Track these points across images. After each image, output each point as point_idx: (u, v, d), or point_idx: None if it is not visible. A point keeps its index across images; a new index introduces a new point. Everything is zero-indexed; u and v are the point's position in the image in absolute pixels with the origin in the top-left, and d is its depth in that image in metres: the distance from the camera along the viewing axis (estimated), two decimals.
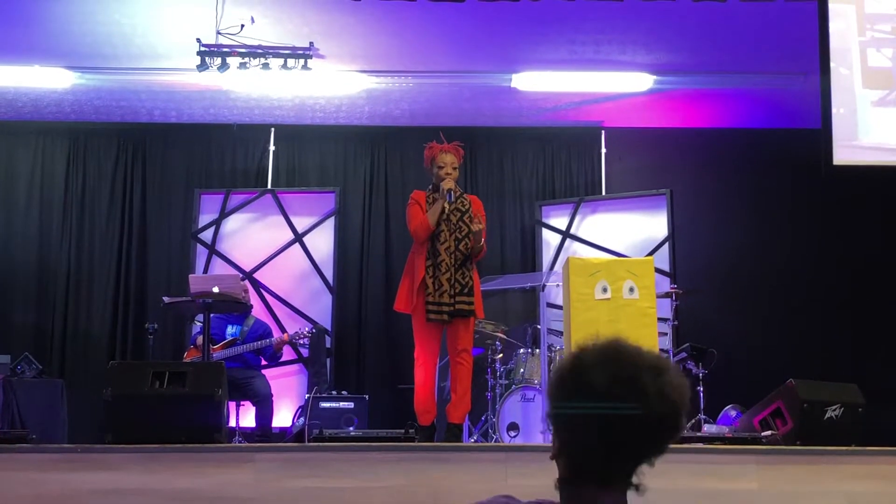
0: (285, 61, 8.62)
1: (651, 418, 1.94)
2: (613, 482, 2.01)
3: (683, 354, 8.25)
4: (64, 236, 10.48)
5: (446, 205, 6.55)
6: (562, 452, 2.05)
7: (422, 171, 10.63)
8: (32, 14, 8.12)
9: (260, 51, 8.55)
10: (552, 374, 2.11)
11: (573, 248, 10.22)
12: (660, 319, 7.21)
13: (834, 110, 7.09)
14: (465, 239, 6.50)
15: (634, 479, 2.02)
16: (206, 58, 8.49)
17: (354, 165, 10.83)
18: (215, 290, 7.73)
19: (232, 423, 7.89)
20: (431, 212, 6.53)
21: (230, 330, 8.48)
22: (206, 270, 9.95)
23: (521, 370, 8.09)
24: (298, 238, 10.13)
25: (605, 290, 6.59)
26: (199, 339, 8.32)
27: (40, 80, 9.53)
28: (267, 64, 8.56)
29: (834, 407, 6.20)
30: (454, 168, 6.75)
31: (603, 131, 10.77)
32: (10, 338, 9.82)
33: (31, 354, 8.66)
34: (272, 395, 8.35)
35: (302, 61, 8.65)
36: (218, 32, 8.40)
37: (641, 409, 1.93)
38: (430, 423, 6.43)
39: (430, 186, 6.76)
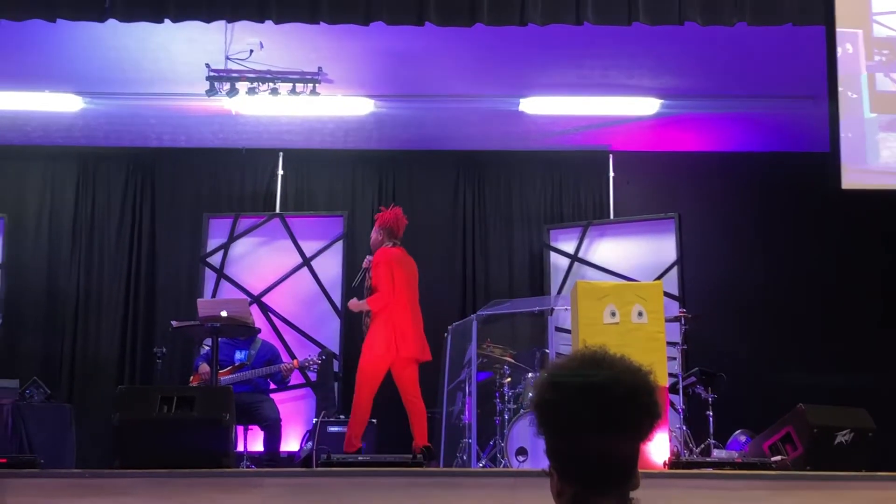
0: (294, 86, 8.66)
1: (625, 388, 2.09)
2: (611, 486, 2.11)
3: (693, 379, 8.22)
4: (73, 260, 10.50)
5: None
6: (561, 470, 2.14)
7: (430, 194, 10.79)
8: (43, 40, 8.16)
9: (269, 76, 8.60)
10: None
11: (582, 271, 10.20)
12: (669, 344, 7.20)
13: (842, 134, 7.07)
14: None
15: (630, 494, 2.13)
16: (216, 83, 8.55)
17: (363, 189, 10.84)
18: (223, 314, 7.74)
19: (240, 448, 7.88)
20: None
21: (238, 355, 8.48)
22: (214, 294, 9.94)
23: (530, 394, 8.06)
24: (307, 262, 10.13)
25: (613, 314, 6.59)
26: (202, 366, 8.32)
27: (50, 104, 9.56)
28: (276, 89, 8.60)
29: (844, 432, 6.18)
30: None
31: (611, 155, 10.78)
32: (19, 362, 9.81)
33: (39, 379, 8.65)
34: (281, 420, 8.34)
35: (311, 86, 8.69)
36: (227, 58, 8.44)
37: (613, 378, 2.09)
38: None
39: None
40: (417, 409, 7.55)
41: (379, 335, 7.46)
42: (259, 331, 8.61)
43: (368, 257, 7.78)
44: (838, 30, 7.14)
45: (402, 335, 7.48)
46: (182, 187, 10.80)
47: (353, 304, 7.80)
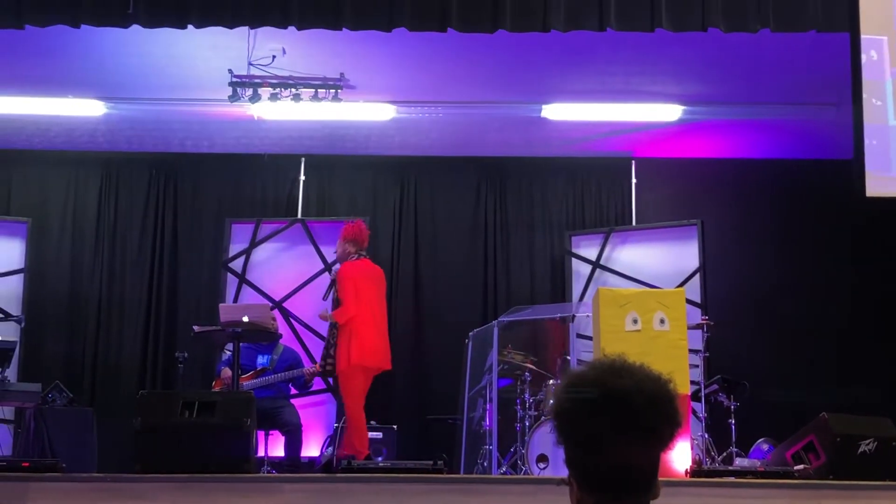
0: (316, 92, 8.69)
1: (645, 397, 2.07)
2: (631, 495, 2.10)
3: (715, 386, 8.17)
4: (96, 265, 10.53)
5: None
6: (580, 480, 2.12)
7: (451, 200, 10.79)
8: (67, 46, 8.20)
9: (291, 81, 8.62)
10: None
11: (603, 278, 10.17)
12: (691, 351, 7.16)
13: (866, 142, 7.01)
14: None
15: (651, 503, 2.12)
16: (238, 88, 8.58)
17: (384, 195, 10.84)
18: (245, 319, 7.77)
19: (261, 453, 7.89)
20: None
21: (260, 359, 8.49)
22: (236, 300, 9.96)
23: (551, 401, 8.04)
24: (328, 267, 10.13)
25: (635, 321, 6.58)
26: (224, 371, 8.35)
27: (74, 109, 9.61)
28: (298, 94, 8.63)
29: (867, 441, 6.13)
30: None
31: (633, 161, 10.73)
32: (42, 366, 9.85)
33: (61, 383, 8.69)
34: (301, 425, 8.35)
35: (333, 91, 8.71)
36: (250, 63, 8.46)
37: (633, 387, 2.07)
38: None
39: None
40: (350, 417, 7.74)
41: (344, 347, 7.67)
42: (281, 336, 8.63)
43: (336, 268, 8.06)
44: (863, 36, 7.08)
45: (362, 346, 7.67)
46: (204, 192, 10.83)
47: (322, 315, 8.25)
